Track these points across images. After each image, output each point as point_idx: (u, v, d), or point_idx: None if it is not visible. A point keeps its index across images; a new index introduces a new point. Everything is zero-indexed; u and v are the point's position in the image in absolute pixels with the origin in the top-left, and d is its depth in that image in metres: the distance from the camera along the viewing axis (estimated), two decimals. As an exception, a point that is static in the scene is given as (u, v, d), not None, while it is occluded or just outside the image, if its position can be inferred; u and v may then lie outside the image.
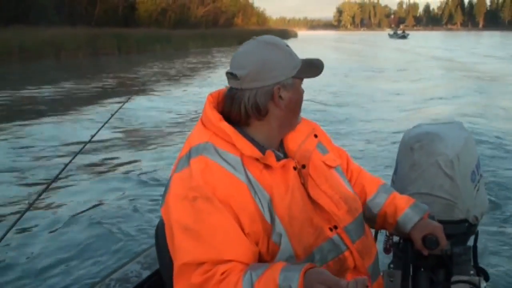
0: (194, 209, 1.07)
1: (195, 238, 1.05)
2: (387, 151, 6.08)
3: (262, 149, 1.15)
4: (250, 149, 1.13)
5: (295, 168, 1.18)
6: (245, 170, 1.12)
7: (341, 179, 1.29)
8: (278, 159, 1.16)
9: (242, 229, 1.07)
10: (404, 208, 1.38)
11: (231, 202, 1.08)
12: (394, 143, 5.91)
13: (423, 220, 1.37)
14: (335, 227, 1.18)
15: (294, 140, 1.25)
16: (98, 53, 24.60)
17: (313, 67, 1.21)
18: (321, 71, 1.23)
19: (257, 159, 1.13)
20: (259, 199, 1.10)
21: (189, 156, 1.14)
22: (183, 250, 1.06)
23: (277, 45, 1.17)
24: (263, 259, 1.11)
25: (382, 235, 1.71)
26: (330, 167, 1.28)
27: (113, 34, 26.63)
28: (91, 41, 24.58)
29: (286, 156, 1.22)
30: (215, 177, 1.09)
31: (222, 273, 1.01)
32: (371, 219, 1.41)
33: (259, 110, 1.15)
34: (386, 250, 1.77)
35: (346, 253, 1.19)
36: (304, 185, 1.18)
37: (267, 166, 1.13)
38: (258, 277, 0.98)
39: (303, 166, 1.20)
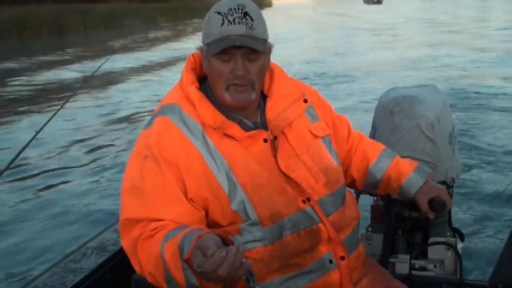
0: (142, 167, 1.11)
1: (138, 195, 1.09)
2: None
3: (229, 117, 1.14)
4: (211, 119, 1.12)
5: (265, 140, 1.15)
6: (204, 136, 1.12)
7: (326, 149, 1.25)
8: (248, 129, 1.15)
9: (186, 193, 1.09)
10: (408, 172, 1.37)
11: (179, 165, 1.09)
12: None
13: (427, 183, 1.36)
14: (308, 200, 1.16)
15: (274, 108, 1.20)
16: (63, 30, 23.63)
17: (223, 44, 1.07)
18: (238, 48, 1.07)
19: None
20: (217, 166, 1.11)
21: (156, 114, 1.17)
22: (126, 206, 1.10)
23: (215, 7, 1.12)
24: (219, 225, 1.11)
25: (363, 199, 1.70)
26: (316, 136, 1.24)
27: (79, 10, 25.59)
28: (56, 18, 23.55)
29: (264, 125, 1.18)
30: (170, 138, 1.11)
31: (153, 229, 1.04)
32: (373, 184, 1.40)
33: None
34: (375, 216, 1.76)
35: (320, 225, 1.17)
36: (275, 157, 1.15)
37: (228, 135, 1.12)
38: (172, 237, 0.99)
39: (275, 137, 1.17)
